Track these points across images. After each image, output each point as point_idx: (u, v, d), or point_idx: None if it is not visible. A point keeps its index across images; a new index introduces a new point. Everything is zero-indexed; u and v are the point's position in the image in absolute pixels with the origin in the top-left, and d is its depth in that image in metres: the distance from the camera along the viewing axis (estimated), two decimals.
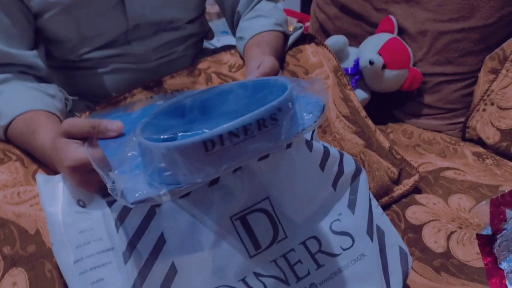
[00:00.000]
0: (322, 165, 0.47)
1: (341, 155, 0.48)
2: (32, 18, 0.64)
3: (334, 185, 0.48)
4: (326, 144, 0.49)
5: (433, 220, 0.65)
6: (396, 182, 0.71)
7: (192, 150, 0.35)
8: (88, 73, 0.73)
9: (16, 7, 0.61)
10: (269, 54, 0.64)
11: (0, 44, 0.61)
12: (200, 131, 0.37)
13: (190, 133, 0.38)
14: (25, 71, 0.64)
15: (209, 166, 0.36)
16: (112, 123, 0.42)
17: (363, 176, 0.49)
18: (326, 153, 0.47)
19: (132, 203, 0.35)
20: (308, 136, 0.49)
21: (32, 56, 0.64)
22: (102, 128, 0.41)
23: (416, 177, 0.71)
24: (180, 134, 0.38)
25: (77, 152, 0.42)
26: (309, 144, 0.46)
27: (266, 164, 0.46)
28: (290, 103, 0.38)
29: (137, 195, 0.35)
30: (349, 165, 0.48)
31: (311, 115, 0.41)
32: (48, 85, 0.64)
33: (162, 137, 0.38)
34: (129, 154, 0.38)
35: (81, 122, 0.43)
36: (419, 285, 0.55)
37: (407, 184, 0.70)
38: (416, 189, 0.71)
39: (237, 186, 0.45)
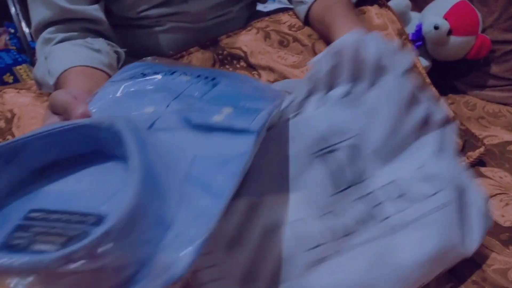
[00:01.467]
0: (411, 104, 0.44)
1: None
2: None
3: (422, 130, 0.46)
4: None
5: (500, 194, 0.61)
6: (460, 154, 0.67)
7: None
8: (146, 32, 0.72)
9: None
10: (348, 14, 0.61)
11: (64, 1, 0.61)
12: None
13: None
14: (87, 26, 0.64)
15: None
16: (80, 111, 0.37)
17: (453, 126, 0.46)
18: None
19: None
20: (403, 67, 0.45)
21: (94, 10, 0.64)
22: (70, 111, 0.38)
23: (482, 149, 0.67)
24: None
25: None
26: (404, 76, 0.43)
27: (348, 102, 0.44)
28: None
29: None
30: (440, 112, 0.46)
31: None
32: (95, 39, 0.63)
33: None
34: None
35: (61, 96, 0.40)
36: (485, 258, 0.52)
37: (471, 156, 0.67)
38: (480, 162, 0.68)
39: (317, 123, 0.44)
